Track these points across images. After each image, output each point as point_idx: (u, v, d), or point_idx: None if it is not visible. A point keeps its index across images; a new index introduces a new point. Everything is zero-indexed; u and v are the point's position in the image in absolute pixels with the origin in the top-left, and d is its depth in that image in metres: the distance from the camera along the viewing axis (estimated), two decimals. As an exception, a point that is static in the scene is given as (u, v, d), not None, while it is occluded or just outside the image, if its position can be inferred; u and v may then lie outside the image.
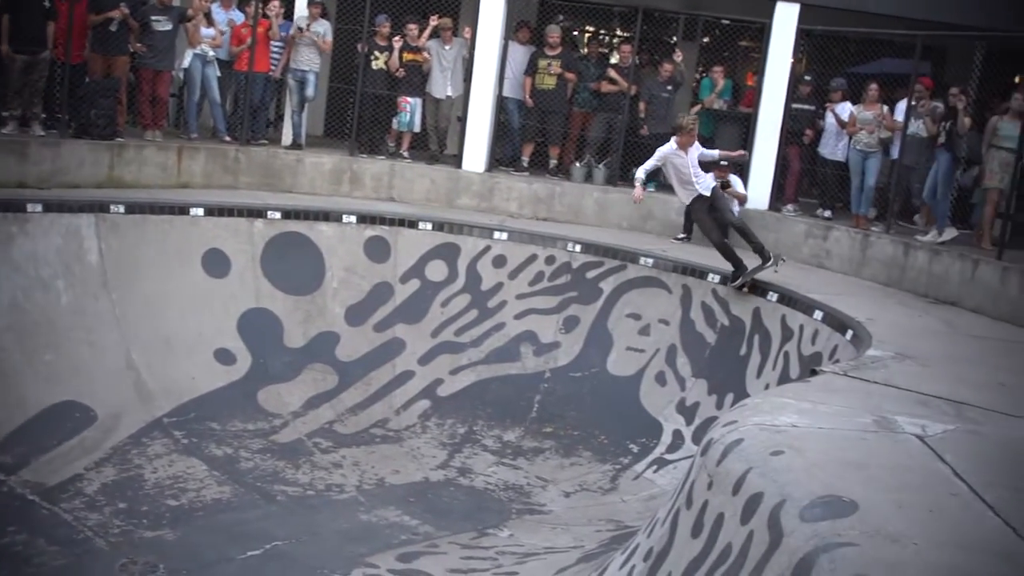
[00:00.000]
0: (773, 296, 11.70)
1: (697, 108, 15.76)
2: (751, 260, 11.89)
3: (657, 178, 14.34)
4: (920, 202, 14.20)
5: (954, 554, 4.58)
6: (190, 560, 8.62)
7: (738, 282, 11.91)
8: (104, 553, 8.67)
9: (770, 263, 11.73)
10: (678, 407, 11.74)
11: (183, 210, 12.50)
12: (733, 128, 15.87)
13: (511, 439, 11.66)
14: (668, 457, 11.18)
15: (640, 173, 11.91)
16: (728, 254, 11.95)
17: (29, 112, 13.25)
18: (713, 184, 12.05)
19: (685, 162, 11.74)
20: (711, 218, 12.03)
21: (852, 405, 6.99)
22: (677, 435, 11.43)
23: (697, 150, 11.84)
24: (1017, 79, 15.51)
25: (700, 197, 11.91)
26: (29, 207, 11.47)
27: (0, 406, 10.14)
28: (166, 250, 12.10)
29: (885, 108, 14.08)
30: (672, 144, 11.79)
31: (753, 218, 14.24)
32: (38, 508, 9.11)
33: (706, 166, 12.22)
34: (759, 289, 11.84)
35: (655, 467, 11.08)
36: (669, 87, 15.52)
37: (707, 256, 12.68)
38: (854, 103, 14.32)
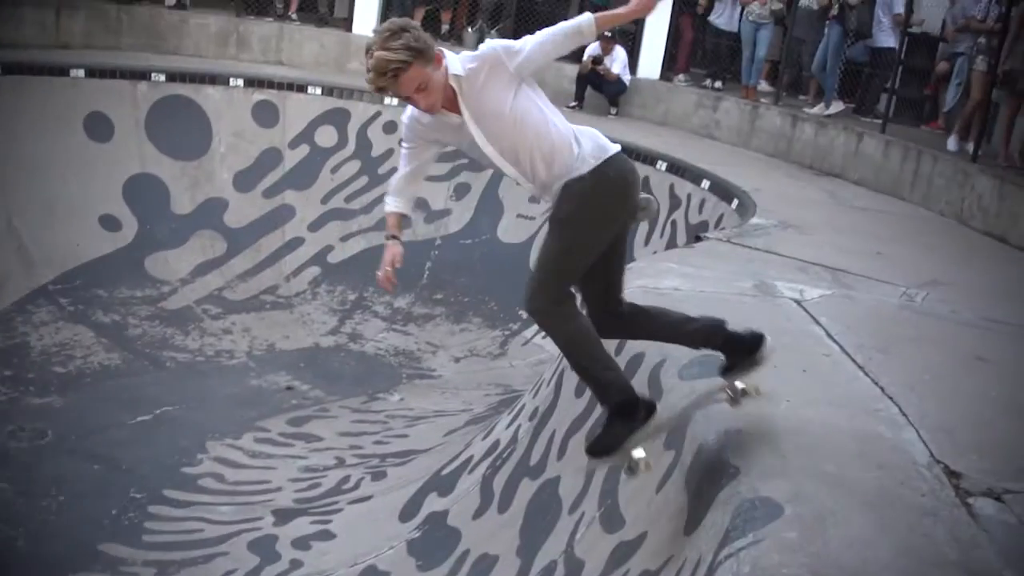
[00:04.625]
0: (662, 165, 11.79)
1: None
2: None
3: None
4: (809, 75, 14.38)
5: (824, 410, 4.80)
6: (78, 426, 8.57)
7: None
8: (-11, 419, 8.61)
9: None
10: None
11: (63, 71, 11.99)
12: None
13: (401, 306, 11.70)
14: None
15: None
16: None
17: None
18: None
19: None
20: None
21: (734, 271, 7.20)
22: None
23: None
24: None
25: None
26: None
27: None
28: (45, 113, 11.64)
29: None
30: None
31: (644, 88, 14.32)
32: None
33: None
34: (648, 158, 11.88)
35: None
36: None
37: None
38: (747, -27, 14.31)
